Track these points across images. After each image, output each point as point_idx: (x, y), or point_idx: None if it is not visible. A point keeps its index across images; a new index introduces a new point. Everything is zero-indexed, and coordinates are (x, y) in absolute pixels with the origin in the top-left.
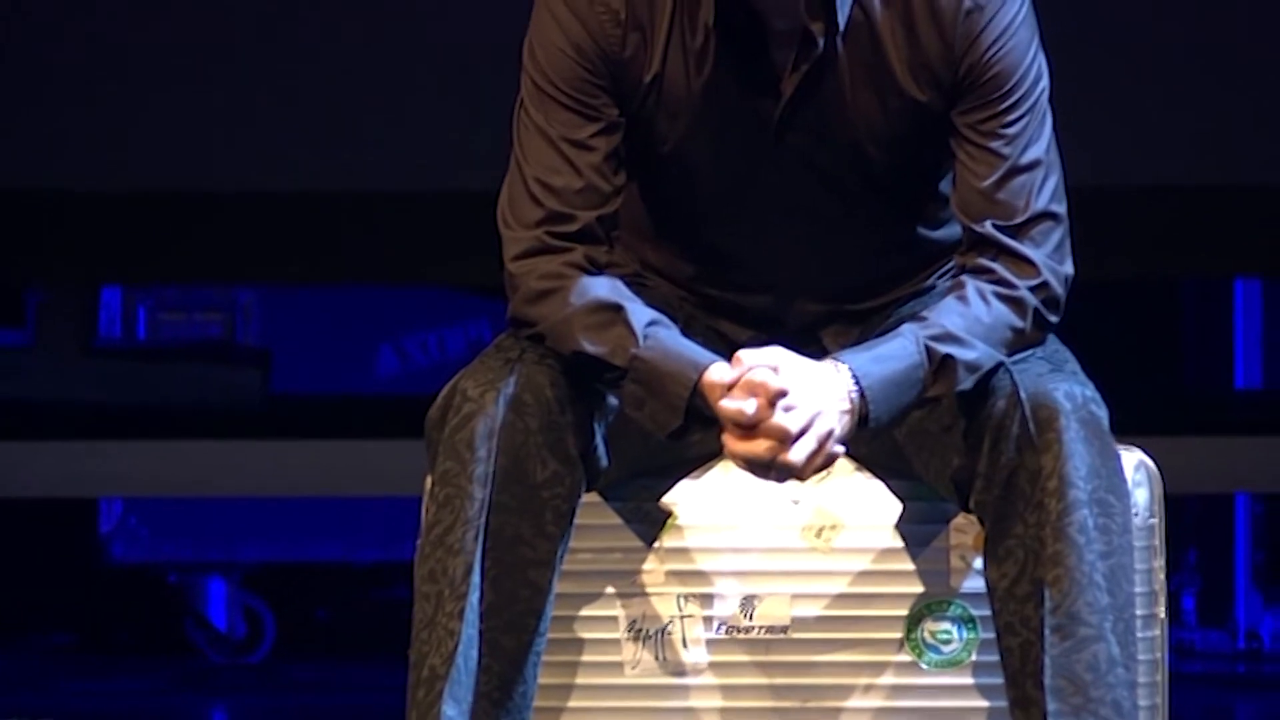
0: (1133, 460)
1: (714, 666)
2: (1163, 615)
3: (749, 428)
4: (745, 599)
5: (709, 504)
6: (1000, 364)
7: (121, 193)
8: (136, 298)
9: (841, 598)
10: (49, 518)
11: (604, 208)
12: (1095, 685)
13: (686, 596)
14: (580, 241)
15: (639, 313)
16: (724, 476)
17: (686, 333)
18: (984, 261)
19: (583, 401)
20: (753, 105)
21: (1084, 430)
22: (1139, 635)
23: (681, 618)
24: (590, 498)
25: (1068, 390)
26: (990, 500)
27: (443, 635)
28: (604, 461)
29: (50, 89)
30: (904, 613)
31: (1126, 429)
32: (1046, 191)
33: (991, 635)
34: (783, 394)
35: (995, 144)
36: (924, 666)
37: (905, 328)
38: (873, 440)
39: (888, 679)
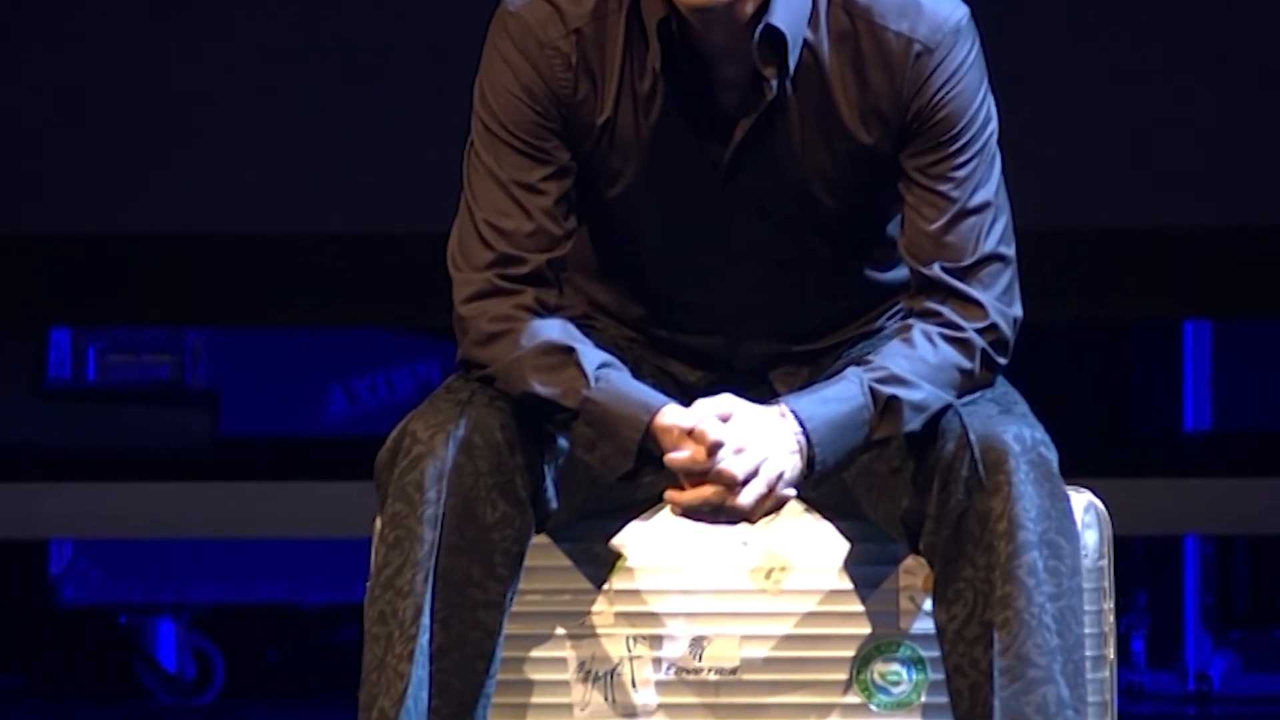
0: (1082, 502)
1: (664, 708)
2: (1112, 657)
3: (700, 474)
4: (695, 640)
5: (658, 546)
6: (949, 405)
7: (70, 234)
8: (86, 339)
9: (791, 639)
10: None
11: (554, 251)
12: None
13: (636, 638)
14: (530, 284)
15: (590, 355)
16: (674, 518)
17: (636, 374)
18: (932, 304)
19: (533, 443)
20: (702, 149)
21: (1033, 472)
22: (1088, 677)
23: (631, 659)
24: (540, 539)
25: (1017, 432)
26: (940, 542)
27: (392, 677)
28: (554, 503)
29: None
30: (853, 654)
31: (1076, 471)
32: (995, 234)
33: (941, 677)
34: (719, 445)
35: (944, 187)
36: (873, 708)
37: (850, 371)
38: (821, 483)
39: None
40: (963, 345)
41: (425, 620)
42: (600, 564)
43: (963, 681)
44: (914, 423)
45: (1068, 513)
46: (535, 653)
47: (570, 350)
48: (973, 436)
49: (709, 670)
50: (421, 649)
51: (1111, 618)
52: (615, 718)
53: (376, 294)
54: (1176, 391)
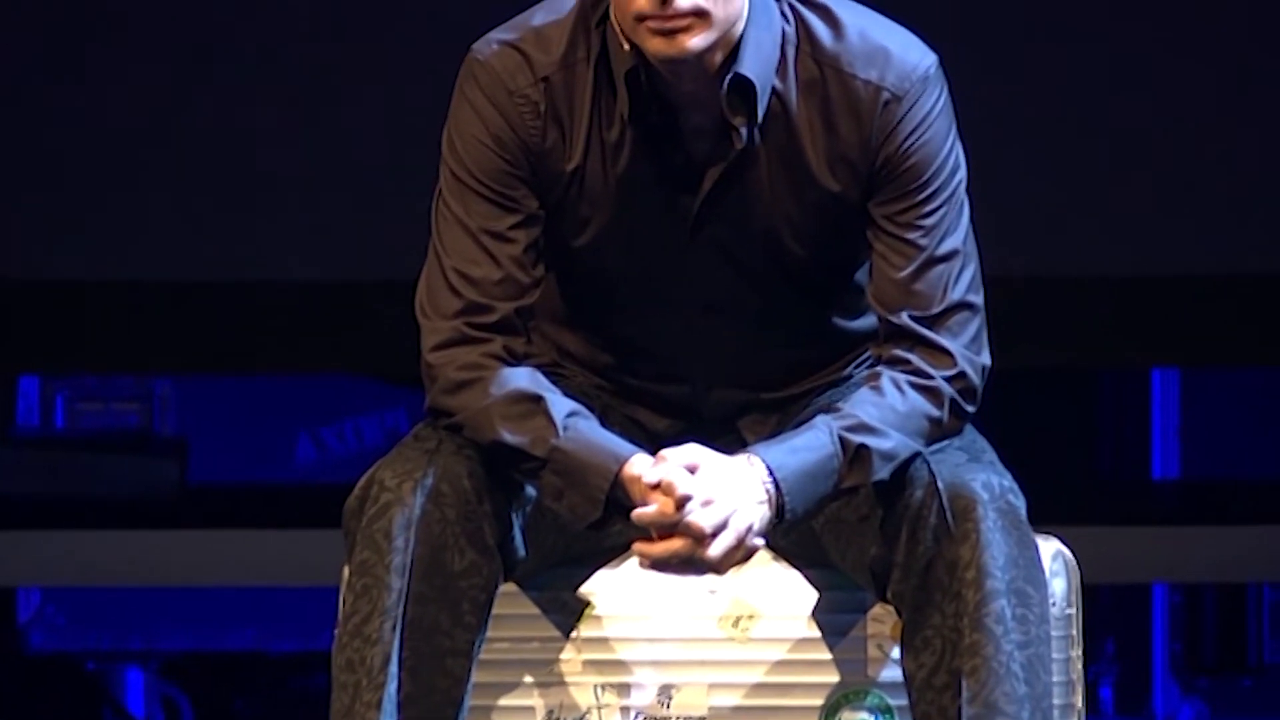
0: (1050, 550)
1: None
2: (1080, 705)
3: (669, 528)
4: (663, 688)
5: (626, 593)
6: (918, 453)
7: (39, 281)
8: (54, 387)
9: (759, 687)
10: None
11: (523, 299)
12: None
13: (604, 686)
14: (499, 332)
15: (559, 403)
16: (642, 567)
17: (604, 422)
18: (900, 353)
19: (500, 492)
20: (670, 198)
21: (1002, 520)
22: None
23: (599, 707)
24: (508, 587)
25: (985, 480)
26: (908, 590)
27: None
28: (521, 551)
29: None
30: (821, 702)
31: (1044, 519)
32: (964, 282)
33: None
34: (688, 498)
35: (912, 235)
36: None
37: (819, 419)
38: (790, 531)
39: None
40: (931, 393)
41: (393, 668)
42: (568, 612)
43: None
44: (883, 471)
45: (1036, 561)
46: (503, 701)
47: (539, 399)
48: (941, 484)
49: (677, 718)
50: (389, 697)
51: (1080, 665)
52: None
53: (344, 342)
54: (1144, 440)
